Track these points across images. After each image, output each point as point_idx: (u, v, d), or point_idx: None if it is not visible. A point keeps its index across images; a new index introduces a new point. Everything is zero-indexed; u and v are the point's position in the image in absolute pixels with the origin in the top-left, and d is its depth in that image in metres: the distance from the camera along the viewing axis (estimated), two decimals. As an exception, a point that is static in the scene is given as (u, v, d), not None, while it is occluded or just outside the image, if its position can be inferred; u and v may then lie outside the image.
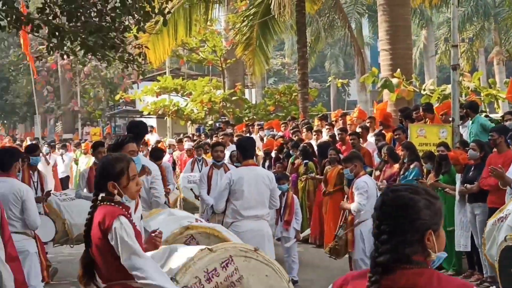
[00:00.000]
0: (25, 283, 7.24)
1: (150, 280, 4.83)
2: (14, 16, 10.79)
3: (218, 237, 6.74)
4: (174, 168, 19.13)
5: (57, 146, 28.07)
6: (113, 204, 5.10)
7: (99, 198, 5.18)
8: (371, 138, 16.10)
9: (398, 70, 18.02)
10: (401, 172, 12.76)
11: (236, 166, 11.88)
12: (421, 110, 15.61)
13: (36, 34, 12.28)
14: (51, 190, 12.22)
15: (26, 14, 11.86)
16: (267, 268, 5.70)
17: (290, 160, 16.51)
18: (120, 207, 5.12)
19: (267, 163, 17.81)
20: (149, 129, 31.61)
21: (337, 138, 16.41)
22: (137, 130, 9.01)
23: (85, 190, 11.80)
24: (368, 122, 17.27)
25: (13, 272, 6.79)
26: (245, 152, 9.52)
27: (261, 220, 9.13)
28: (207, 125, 29.75)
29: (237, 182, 9.20)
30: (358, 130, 16.64)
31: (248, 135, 22.98)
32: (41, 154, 15.37)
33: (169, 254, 5.56)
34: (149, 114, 31.37)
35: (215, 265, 5.40)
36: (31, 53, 31.73)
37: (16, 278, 6.84)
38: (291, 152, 16.73)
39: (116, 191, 5.16)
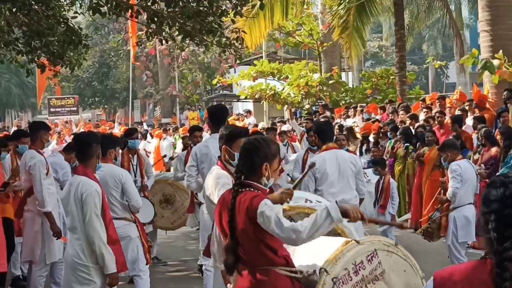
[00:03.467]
0: (125, 265, 7.39)
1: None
2: (114, 3, 10.99)
3: None
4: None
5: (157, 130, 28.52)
6: (254, 190, 5.01)
7: (240, 183, 5.07)
8: (469, 121, 15.80)
9: (500, 51, 17.57)
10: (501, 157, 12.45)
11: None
12: (523, 92, 15.17)
13: (135, 20, 12.48)
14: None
15: (125, 1, 12.08)
16: (405, 264, 5.65)
17: (389, 143, 16.35)
18: (260, 192, 5.03)
19: (364, 147, 17.69)
20: (245, 113, 31.89)
21: (436, 121, 16.12)
22: (220, 114, 9.04)
23: (182, 172, 11.99)
24: (467, 105, 16.95)
25: (114, 254, 6.97)
26: (324, 135, 9.43)
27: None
28: (303, 109, 29.69)
29: (319, 168, 9.13)
30: (458, 112, 16.35)
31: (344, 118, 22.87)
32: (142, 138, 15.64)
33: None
34: (246, 98, 31.49)
35: (361, 257, 5.35)
36: (130, 38, 32.37)
37: (117, 260, 7.02)
38: (389, 135, 16.57)
39: (267, 173, 5.10)
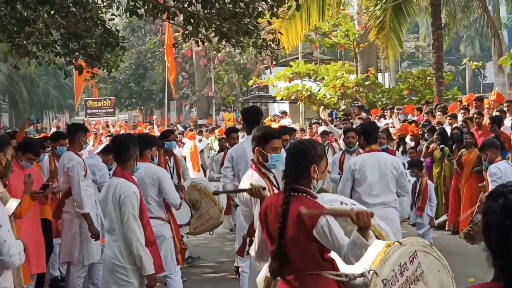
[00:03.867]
0: (162, 266, 7.41)
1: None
2: (150, 5, 11.05)
3: None
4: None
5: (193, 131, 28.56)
6: (307, 196, 4.99)
7: (291, 186, 5.02)
8: (508, 122, 15.63)
9: (539, 52, 17.37)
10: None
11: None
12: None
13: (172, 21, 12.53)
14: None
15: (162, 2, 12.13)
16: (439, 264, 5.70)
17: (425, 144, 16.25)
18: (312, 198, 5.02)
19: (401, 149, 17.58)
20: (281, 114, 31.86)
21: (474, 122, 15.96)
22: (253, 115, 9.01)
23: (218, 174, 12.01)
24: (505, 106, 16.76)
25: (151, 255, 6.99)
26: (368, 137, 9.38)
27: (387, 207, 8.96)
28: (339, 110, 29.60)
29: (360, 169, 9.09)
30: (496, 113, 16.18)
31: (382, 119, 22.74)
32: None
33: None
34: (281, 99, 31.48)
35: (405, 259, 5.42)
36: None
37: (154, 262, 7.04)
38: (426, 136, 16.46)
39: (316, 176, 5.06)
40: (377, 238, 6.28)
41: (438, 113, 18.44)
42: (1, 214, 5.23)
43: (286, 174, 5.11)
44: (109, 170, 11.26)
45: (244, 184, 7.12)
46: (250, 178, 7.11)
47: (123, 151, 7.25)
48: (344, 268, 5.14)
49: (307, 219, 4.78)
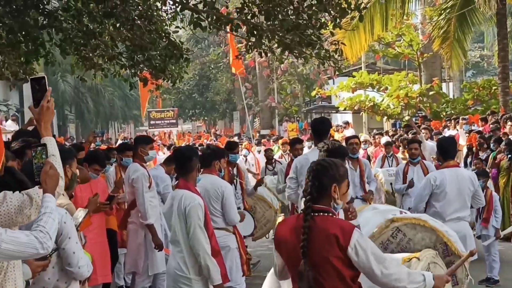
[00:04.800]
0: (227, 276, 7.43)
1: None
2: (214, 17, 11.11)
3: (425, 226, 6.76)
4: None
5: (254, 142, 28.64)
6: (330, 214, 4.86)
7: (311, 205, 4.85)
8: None
9: None
10: None
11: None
12: None
13: (235, 33, 12.59)
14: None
15: (225, 14, 12.19)
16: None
17: (492, 155, 16.01)
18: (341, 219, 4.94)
19: (469, 159, 17.38)
20: (344, 125, 31.73)
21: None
22: (322, 127, 8.96)
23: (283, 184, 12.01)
24: None
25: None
26: (445, 153, 9.29)
27: (462, 221, 8.89)
28: (403, 120, 29.35)
29: (440, 185, 9.02)
30: None
31: (446, 129, 22.48)
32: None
33: None
34: (344, 109, 31.34)
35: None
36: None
37: (220, 272, 7.07)
38: (492, 147, 16.23)
39: (336, 196, 4.89)
40: (446, 244, 6.28)
41: (510, 123, 18.13)
42: (70, 226, 5.31)
43: (306, 191, 4.94)
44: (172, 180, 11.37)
45: None
46: None
47: (185, 163, 7.31)
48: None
49: (341, 238, 4.64)
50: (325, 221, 4.77)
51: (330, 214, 4.85)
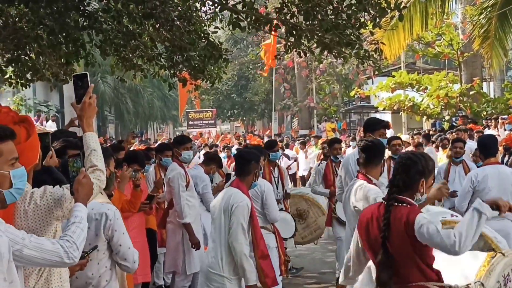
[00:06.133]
0: (276, 280, 7.41)
1: None
2: (253, 17, 11.12)
3: None
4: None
5: (296, 142, 28.61)
6: (409, 206, 5.00)
7: (394, 198, 5.04)
8: None
9: None
10: None
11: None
12: None
13: (274, 33, 12.59)
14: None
15: (264, 15, 12.19)
16: None
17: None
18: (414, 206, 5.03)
19: (506, 158, 17.18)
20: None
21: None
22: (372, 128, 8.90)
23: (321, 186, 11.97)
24: None
25: (264, 269, 7.03)
26: (487, 150, 9.23)
27: (504, 219, 8.80)
28: (443, 120, 29.14)
29: (481, 182, 8.98)
30: None
31: (486, 129, 22.27)
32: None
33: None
34: (384, 109, 31.18)
35: (508, 270, 5.48)
36: (269, 51, 32.71)
37: (269, 275, 7.08)
38: (533, 147, 16.08)
39: (422, 190, 5.08)
40: (493, 250, 6.23)
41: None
42: (120, 222, 5.35)
43: (393, 183, 5.09)
44: (211, 180, 11.37)
45: (357, 195, 7.08)
46: (359, 187, 7.09)
47: (244, 165, 7.44)
48: (448, 279, 5.08)
49: (409, 225, 4.80)
50: (399, 211, 4.93)
51: (406, 205, 4.98)
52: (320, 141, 25.62)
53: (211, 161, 11.40)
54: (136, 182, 8.54)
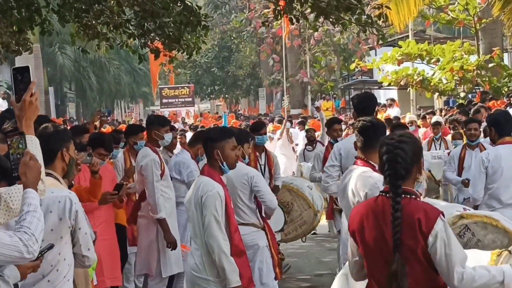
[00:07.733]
0: (252, 281, 7.39)
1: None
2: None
3: (497, 226, 6.60)
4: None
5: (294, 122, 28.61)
6: (417, 198, 4.90)
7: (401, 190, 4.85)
8: None
9: None
10: None
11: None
12: None
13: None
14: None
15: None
16: None
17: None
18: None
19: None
20: (388, 103, 31.62)
21: None
22: (366, 104, 8.81)
23: (320, 173, 11.95)
24: None
25: (239, 267, 7.00)
26: (501, 128, 9.26)
27: None
28: (458, 97, 29.20)
29: (493, 163, 9.02)
30: None
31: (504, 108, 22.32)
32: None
33: None
34: (389, 85, 31.19)
35: None
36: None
37: (243, 275, 7.03)
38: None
39: (421, 177, 5.06)
40: (496, 227, 6.30)
41: None
42: (82, 209, 5.35)
43: (390, 171, 4.91)
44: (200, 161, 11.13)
45: (358, 185, 6.93)
46: (360, 175, 6.96)
47: (206, 148, 7.38)
48: None
49: (424, 223, 4.68)
50: (409, 205, 4.81)
51: (414, 197, 4.89)
52: (310, 122, 25.56)
53: (197, 140, 11.09)
54: (92, 168, 8.39)
